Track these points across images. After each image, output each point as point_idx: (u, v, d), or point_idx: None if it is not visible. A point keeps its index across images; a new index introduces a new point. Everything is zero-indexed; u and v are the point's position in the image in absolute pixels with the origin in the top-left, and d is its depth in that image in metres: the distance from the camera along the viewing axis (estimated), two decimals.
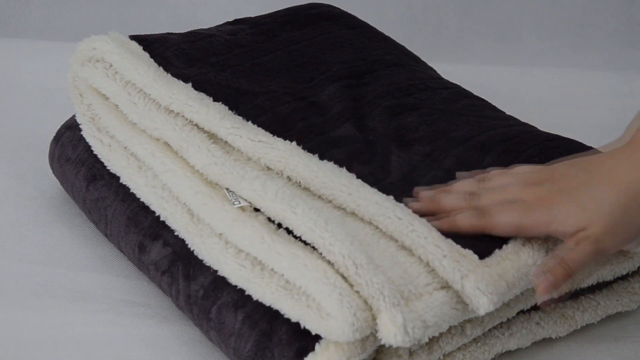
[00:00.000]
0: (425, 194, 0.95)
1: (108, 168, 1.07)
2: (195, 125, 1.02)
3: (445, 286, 0.89)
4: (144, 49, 1.10)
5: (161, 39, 1.13)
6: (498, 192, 0.93)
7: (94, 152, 1.09)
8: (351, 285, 0.87)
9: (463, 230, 0.92)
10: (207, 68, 1.10)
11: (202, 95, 1.03)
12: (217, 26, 1.20)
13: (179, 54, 1.11)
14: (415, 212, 0.93)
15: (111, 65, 1.07)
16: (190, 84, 1.05)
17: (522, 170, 0.95)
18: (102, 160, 1.08)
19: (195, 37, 1.15)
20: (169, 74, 1.06)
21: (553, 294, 0.90)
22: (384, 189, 0.96)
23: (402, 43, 1.23)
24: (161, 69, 1.07)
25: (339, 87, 1.09)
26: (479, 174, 0.97)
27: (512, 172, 0.95)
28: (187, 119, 1.02)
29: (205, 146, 0.98)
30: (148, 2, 1.67)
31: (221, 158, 0.97)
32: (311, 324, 0.87)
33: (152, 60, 1.08)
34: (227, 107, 1.03)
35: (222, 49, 1.12)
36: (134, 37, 1.12)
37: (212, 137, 1.01)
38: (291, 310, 0.88)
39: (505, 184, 0.93)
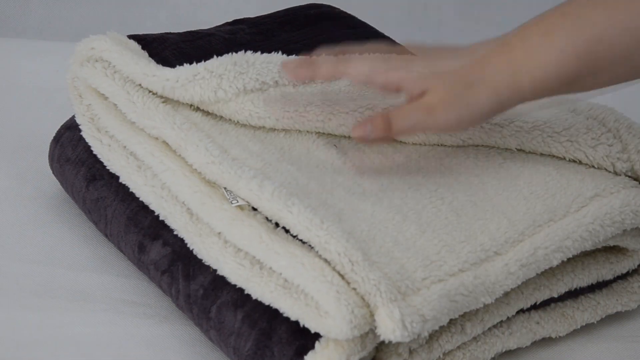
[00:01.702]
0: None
1: (108, 168, 1.08)
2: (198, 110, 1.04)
3: (443, 279, 0.89)
4: (143, 48, 1.10)
5: (159, 38, 1.13)
6: (368, 55, 0.98)
7: (94, 152, 1.09)
8: (348, 283, 0.87)
9: (322, 74, 0.97)
10: None
11: None
12: (216, 26, 1.20)
13: (177, 54, 1.11)
14: (287, 66, 0.98)
15: (110, 64, 1.08)
16: None
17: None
18: (101, 160, 1.09)
19: (193, 37, 1.15)
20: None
21: (367, 141, 0.95)
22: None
23: (402, 43, 1.23)
24: (160, 66, 1.07)
25: None
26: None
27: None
28: (185, 118, 1.02)
29: (204, 145, 0.98)
30: (148, 2, 1.67)
31: (219, 157, 0.97)
32: (310, 323, 0.87)
33: (151, 59, 1.08)
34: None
35: (220, 48, 1.13)
36: (132, 37, 1.12)
37: (210, 136, 1.01)
38: (290, 309, 0.88)
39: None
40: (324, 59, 0.97)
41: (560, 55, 0.88)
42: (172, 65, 1.08)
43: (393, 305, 0.85)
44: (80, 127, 1.11)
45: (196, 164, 0.98)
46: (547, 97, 0.92)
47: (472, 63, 0.92)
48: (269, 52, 1.11)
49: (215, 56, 1.07)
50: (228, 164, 0.96)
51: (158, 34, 1.15)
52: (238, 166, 0.96)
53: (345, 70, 0.96)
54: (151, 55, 1.10)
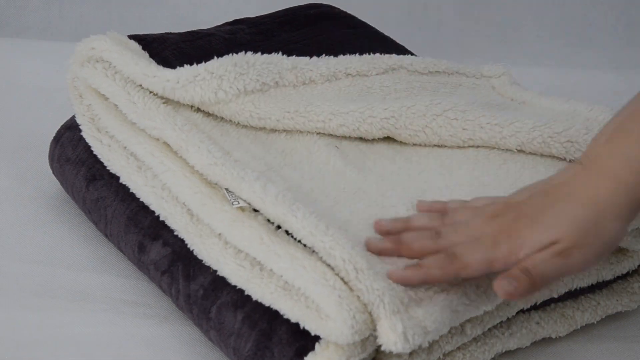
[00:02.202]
0: (387, 226, 0.94)
1: (108, 168, 1.07)
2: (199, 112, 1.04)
3: (445, 289, 0.89)
4: (143, 48, 1.10)
5: (160, 38, 1.13)
6: (462, 230, 0.90)
7: (94, 153, 1.09)
8: (351, 290, 0.86)
9: (437, 279, 0.88)
10: None
11: None
12: (216, 26, 1.20)
13: (177, 54, 1.11)
14: (376, 252, 0.91)
15: (110, 64, 1.07)
16: None
17: (482, 203, 0.93)
18: (101, 160, 1.08)
19: (193, 37, 1.15)
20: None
21: (516, 299, 0.89)
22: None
23: (402, 43, 1.23)
24: (161, 67, 1.07)
25: None
26: (438, 205, 0.96)
27: (472, 205, 0.94)
28: (186, 119, 1.02)
29: (205, 147, 0.98)
30: (148, 2, 1.67)
31: (221, 159, 0.97)
32: (310, 325, 0.87)
33: (151, 59, 1.08)
34: None
35: (220, 48, 1.13)
36: (132, 37, 1.12)
37: (211, 137, 1.01)
38: (290, 310, 0.88)
39: (467, 220, 0.91)
40: (431, 262, 0.88)
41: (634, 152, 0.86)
42: (173, 66, 1.08)
43: (396, 318, 0.85)
44: (80, 127, 1.11)
45: (197, 165, 0.98)
46: None
47: (570, 195, 0.87)
48: (269, 52, 1.11)
49: (215, 56, 1.07)
50: (231, 165, 0.96)
51: (158, 34, 1.15)
52: (241, 168, 0.96)
53: (460, 272, 0.88)
54: (151, 55, 1.10)
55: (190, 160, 0.99)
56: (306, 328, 0.87)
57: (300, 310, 0.87)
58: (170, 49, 1.11)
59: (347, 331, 0.84)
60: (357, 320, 0.84)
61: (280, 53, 1.10)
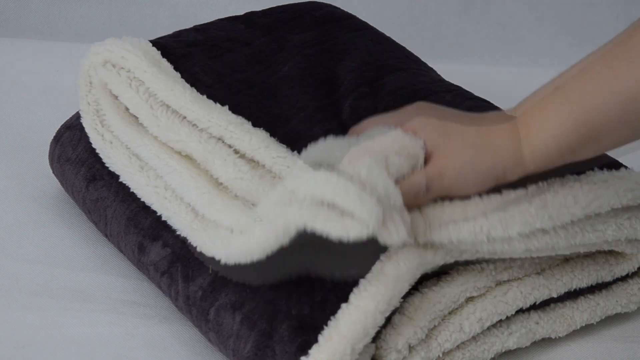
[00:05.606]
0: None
1: (107, 165, 1.07)
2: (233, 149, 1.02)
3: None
4: (171, 64, 1.09)
5: (187, 55, 1.11)
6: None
7: (93, 147, 1.09)
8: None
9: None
10: (236, 86, 1.09)
11: (242, 119, 1.03)
12: (228, 22, 1.19)
13: (206, 70, 1.10)
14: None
15: (135, 76, 1.07)
16: (227, 107, 1.04)
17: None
18: (101, 156, 1.08)
19: (216, 52, 1.13)
20: (205, 96, 1.05)
21: None
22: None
23: (402, 43, 1.23)
24: (194, 89, 1.06)
25: (354, 101, 1.09)
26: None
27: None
28: (210, 134, 1.02)
29: (232, 160, 0.99)
30: (148, 1, 1.67)
31: (248, 173, 0.97)
32: (336, 227, 0.83)
33: (183, 80, 1.07)
34: (268, 134, 1.02)
35: (244, 66, 1.12)
36: (156, 44, 1.10)
37: (238, 151, 1.01)
38: (322, 224, 0.84)
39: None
40: None
41: (558, 128, 0.88)
42: (202, 81, 1.07)
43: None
44: (82, 116, 1.10)
45: (223, 178, 0.98)
46: (550, 167, 0.91)
47: (481, 127, 0.91)
48: (287, 60, 1.11)
49: (240, 74, 1.08)
50: (256, 182, 0.97)
51: (177, 42, 1.14)
52: (266, 184, 0.96)
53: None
54: (181, 71, 1.09)
55: (215, 172, 0.99)
56: (333, 235, 0.84)
57: (329, 219, 0.84)
58: (199, 65, 1.11)
59: (375, 214, 0.82)
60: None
61: (297, 59, 1.10)
